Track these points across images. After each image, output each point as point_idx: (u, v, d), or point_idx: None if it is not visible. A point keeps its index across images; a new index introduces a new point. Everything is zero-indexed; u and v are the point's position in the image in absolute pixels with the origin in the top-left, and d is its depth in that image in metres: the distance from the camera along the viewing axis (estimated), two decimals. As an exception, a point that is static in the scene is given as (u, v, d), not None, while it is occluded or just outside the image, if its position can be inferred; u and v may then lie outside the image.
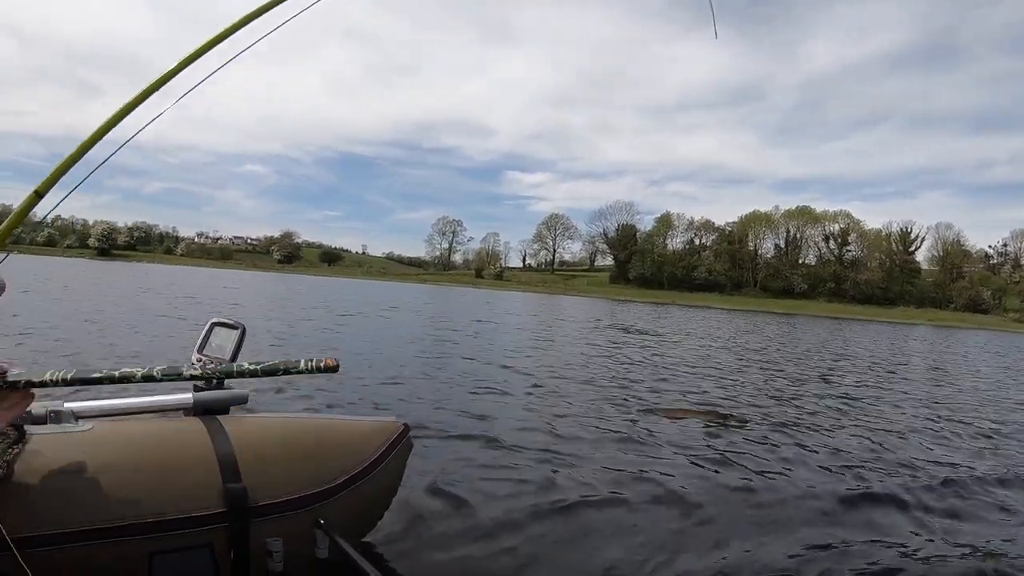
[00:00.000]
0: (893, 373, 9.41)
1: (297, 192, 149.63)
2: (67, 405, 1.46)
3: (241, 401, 1.73)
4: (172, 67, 1.09)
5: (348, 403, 4.48)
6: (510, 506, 2.59)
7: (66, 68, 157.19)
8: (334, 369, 1.47)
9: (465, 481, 2.85)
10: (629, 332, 14.93)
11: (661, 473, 3.18)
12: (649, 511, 2.67)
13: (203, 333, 1.84)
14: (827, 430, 4.60)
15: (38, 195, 1.05)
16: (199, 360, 1.78)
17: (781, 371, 8.61)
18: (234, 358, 1.77)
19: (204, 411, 1.66)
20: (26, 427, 1.34)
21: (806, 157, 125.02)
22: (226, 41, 1.12)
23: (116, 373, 1.34)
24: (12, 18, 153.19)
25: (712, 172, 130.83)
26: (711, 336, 15.82)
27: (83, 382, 1.33)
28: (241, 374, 1.45)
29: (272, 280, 41.54)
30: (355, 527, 1.75)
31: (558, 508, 2.61)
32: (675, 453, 3.60)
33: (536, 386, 5.77)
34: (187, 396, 1.68)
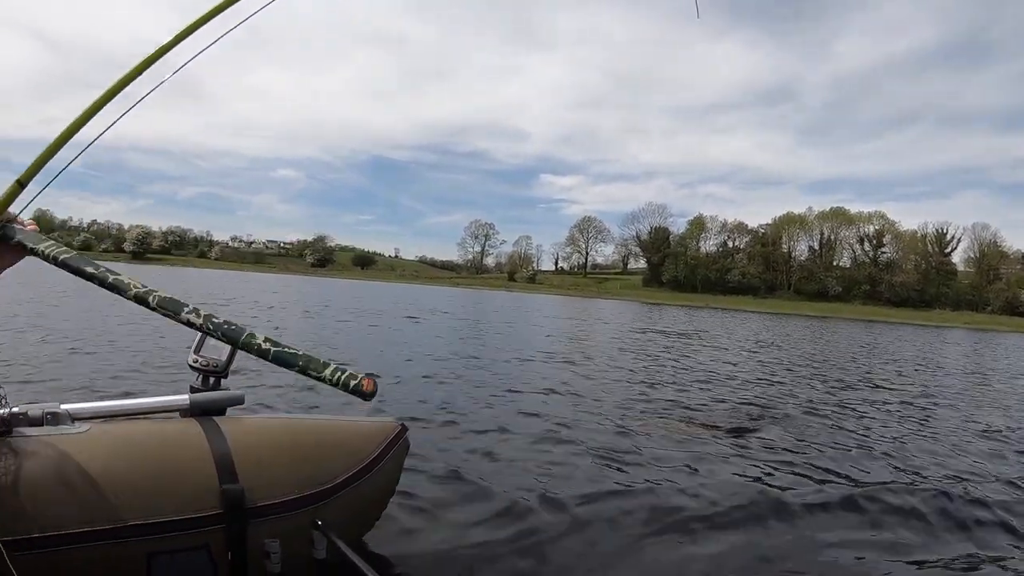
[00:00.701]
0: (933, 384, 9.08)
1: (330, 196, 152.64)
2: (63, 407, 1.46)
3: (238, 402, 1.74)
4: (152, 52, 1.05)
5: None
6: (509, 506, 2.60)
7: (98, 74, 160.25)
8: (367, 395, 1.20)
9: (464, 481, 2.87)
10: (667, 336, 15.06)
11: (672, 483, 3.10)
12: (652, 517, 2.62)
13: (200, 334, 1.78)
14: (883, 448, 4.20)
15: (20, 185, 1.02)
16: (195, 361, 1.77)
17: (826, 377, 8.57)
18: (231, 360, 1.78)
19: (201, 412, 1.67)
20: (22, 429, 1.36)
21: (839, 157, 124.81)
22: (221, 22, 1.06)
23: (110, 278, 1.22)
24: (42, 25, 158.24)
25: (744, 174, 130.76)
26: (750, 341, 15.83)
27: (73, 270, 1.22)
28: (248, 347, 1.22)
29: (309, 284, 42.87)
30: (353, 528, 1.77)
31: (559, 509, 2.62)
32: (690, 463, 3.45)
33: (551, 390, 5.69)
34: (183, 397, 1.68)
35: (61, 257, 1.21)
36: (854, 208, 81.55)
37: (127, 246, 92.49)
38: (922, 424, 5.36)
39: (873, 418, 5.46)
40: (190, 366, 1.77)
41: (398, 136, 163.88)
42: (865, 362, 11.90)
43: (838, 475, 3.46)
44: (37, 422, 1.40)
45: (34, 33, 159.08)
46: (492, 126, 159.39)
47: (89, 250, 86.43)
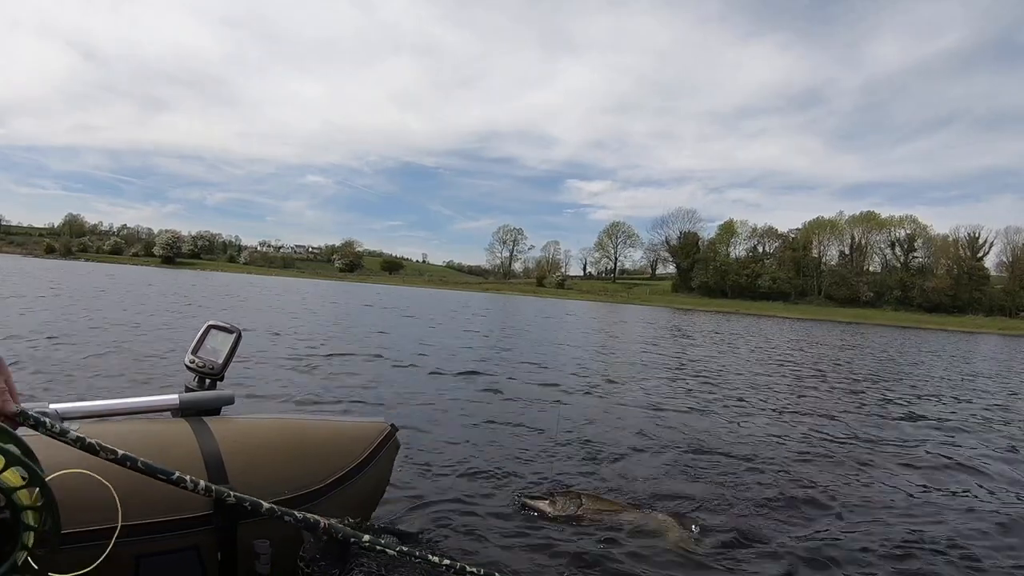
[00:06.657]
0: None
1: (360, 202, 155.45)
2: (52, 407, 1.44)
3: (227, 402, 1.72)
4: None
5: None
6: (496, 506, 2.63)
7: (134, 84, 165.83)
8: None
9: (452, 481, 2.91)
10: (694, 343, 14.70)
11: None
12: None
13: (199, 335, 1.79)
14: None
15: None
16: (192, 362, 1.75)
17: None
18: (227, 362, 1.74)
19: (190, 412, 1.65)
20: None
21: (871, 161, 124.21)
22: None
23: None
24: (83, 37, 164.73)
25: (775, 179, 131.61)
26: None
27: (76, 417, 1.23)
28: None
29: (342, 288, 43.45)
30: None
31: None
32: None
33: (543, 400, 5.61)
34: (173, 397, 1.66)
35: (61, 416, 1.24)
36: (886, 212, 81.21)
37: (157, 250, 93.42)
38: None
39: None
40: (186, 366, 1.77)
41: (428, 142, 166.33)
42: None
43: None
44: None
45: (73, 43, 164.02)
46: (522, 132, 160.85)
47: (119, 254, 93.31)
